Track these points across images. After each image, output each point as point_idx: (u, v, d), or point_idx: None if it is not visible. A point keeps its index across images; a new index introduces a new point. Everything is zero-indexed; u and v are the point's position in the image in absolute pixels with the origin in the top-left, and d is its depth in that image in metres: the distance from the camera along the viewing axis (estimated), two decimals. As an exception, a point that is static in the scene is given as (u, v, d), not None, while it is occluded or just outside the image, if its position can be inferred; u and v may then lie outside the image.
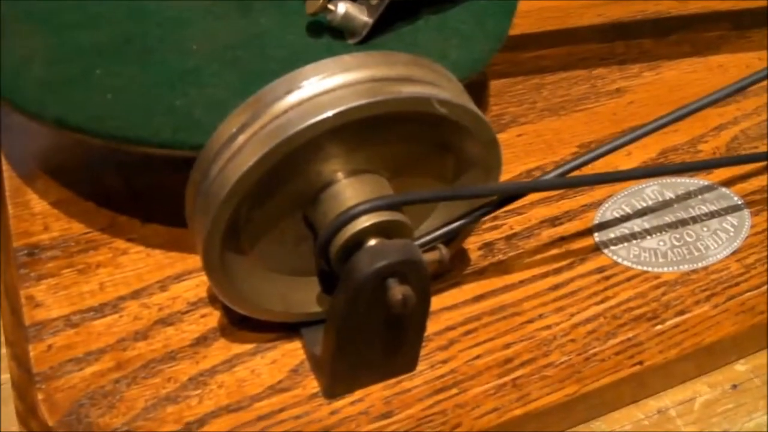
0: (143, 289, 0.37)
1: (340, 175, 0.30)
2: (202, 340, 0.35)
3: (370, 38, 0.37)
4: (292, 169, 0.29)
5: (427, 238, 0.32)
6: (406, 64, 0.29)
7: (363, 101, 0.27)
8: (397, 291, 0.28)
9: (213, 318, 0.36)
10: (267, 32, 0.37)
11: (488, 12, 0.40)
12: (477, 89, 0.46)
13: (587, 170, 0.37)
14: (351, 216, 0.29)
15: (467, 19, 0.39)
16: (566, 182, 0.35)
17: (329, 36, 0.38)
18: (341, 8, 0.37)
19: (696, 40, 0.54)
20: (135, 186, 0.41)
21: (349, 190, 0.30)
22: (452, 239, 0.34)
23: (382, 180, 0.31)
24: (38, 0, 0.39)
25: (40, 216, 0.39)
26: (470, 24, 0.39)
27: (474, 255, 0.39)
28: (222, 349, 0.35)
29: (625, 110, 0.48)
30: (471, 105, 0.30)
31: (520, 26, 0.51)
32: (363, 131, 0.29)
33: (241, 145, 0.28)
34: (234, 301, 0.32)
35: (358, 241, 0.29)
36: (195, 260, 0.38)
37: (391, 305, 0.28)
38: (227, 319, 0.36)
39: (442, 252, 0.30)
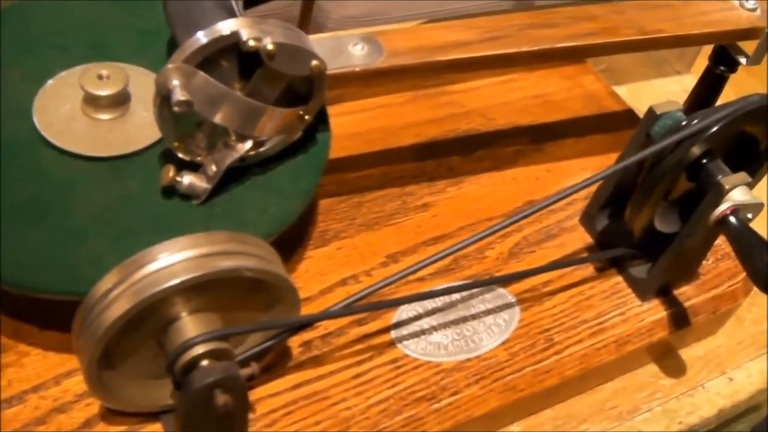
0: (41, 384, 0.52)
1: (183, 313, 0.47)
2: (87, 424, 0.51)
3: (209, 199, 0.53)
4: (149, 313, 0.45)
5: (244, 356, 0.49)
6: (224, 242, 0.46)
7: (196, 273, 0.44)
8: (220, 399, 0.45)
9: (95, 407, 0.51)
10: (133, 194, 0.53)
11: (301, 170, 0.55)
12: (308, 208, 0.61)
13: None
14: (189, 345, 0.45)
15: (284, 177, 0.55)
16: (350, 311, 0.52)
17: (179, 198, 0.53)
18: (186, 180, 0.53)
19: (497, 156, 0.70)
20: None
21: (189, 325, 0.46)
22: (266, 352, 0.51)
23: (214, 316, 0.47)
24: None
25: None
26: (286, 182, 0.55)
27: (295, 351, 0.56)
28: (103, 431, 0.51)
29: (429, 223, 0.65)
30: (272, 267, 0.47)
31: (347, 148, 0.67)
32: (198, 287, 0.45)
33: (113, 298, 0.44)
34: (110, 402, 0.49)
35: (194, 362, 0.46)
36: (78, 360, 0.54)
37: (216, 408, 0.45)
38: (106, 407, 0.51)
39: (255, 368, 0.47)
